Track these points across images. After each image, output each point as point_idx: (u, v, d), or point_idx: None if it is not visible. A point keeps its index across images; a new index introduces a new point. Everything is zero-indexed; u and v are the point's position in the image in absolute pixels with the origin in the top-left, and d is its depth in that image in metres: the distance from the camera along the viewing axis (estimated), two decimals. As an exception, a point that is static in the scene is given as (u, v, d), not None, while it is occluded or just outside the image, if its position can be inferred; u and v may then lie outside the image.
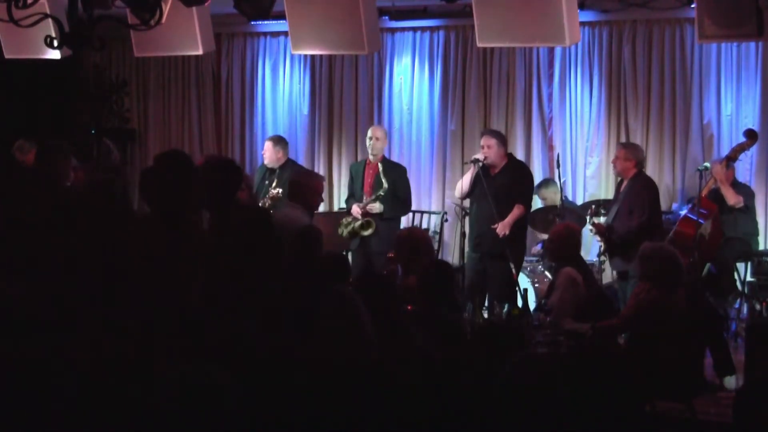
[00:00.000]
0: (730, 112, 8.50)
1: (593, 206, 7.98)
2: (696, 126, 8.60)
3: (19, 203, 5.20)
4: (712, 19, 5.71)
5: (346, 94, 9.69)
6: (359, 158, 9.31)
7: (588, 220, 7.93)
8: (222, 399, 2.89)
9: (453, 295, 5.73)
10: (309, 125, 9.84)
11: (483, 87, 9.24)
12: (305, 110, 9.86)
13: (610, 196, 8.38)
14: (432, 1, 8.69)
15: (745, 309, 7.74)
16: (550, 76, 9.03)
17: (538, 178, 8.99)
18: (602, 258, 7.74)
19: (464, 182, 7.47)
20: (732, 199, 7.56)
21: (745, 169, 8.31)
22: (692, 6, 6.66)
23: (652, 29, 8.68)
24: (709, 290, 7.40)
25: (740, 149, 7.55)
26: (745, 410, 3.08)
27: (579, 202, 8.81)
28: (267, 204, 7.65)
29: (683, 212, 7.52)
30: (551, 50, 8.95)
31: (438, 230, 8.82)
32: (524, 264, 7.89)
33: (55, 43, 4.73)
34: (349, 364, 3.88)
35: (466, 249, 7.64)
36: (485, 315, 6.24)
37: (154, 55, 8.10)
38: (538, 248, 8.57)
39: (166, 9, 4.68)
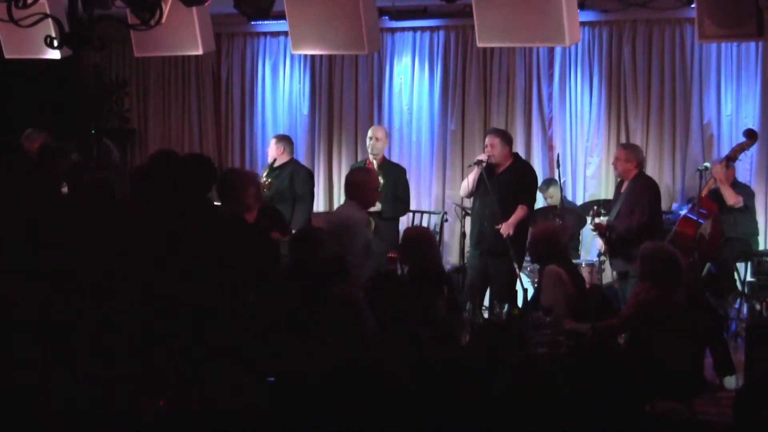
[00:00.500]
0: (730, 112, 8.50)
1: (595, 207, 7.98)
2: (696, 126, 8.59)
3: (20, 200, 5.20)
4: (712, 19, 5.71)
5: (346, 94, 9.69)
6: (359, 158, 9.31)
7: (589, 221, 7.93)
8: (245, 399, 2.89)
9: (444, 298, 5.74)
10: (309, 125, 9.84)
11: (483, 87, 9.23)
12: (305, 110, 9.86)
13: (610, 196, 8.37)
14: (432, 1, 8.68)
15: (745, 309, 7.74)
16: (550, 76, 9.03)
17: (538, 179, 9.00)
18: (602, 258, 7.74)
19: (469, 182, 7.49)
20: (731, 199, 7.56)
21: (745, 169, 8.30)
22: (692, 6, 6.66)
23: (652, 29, 8.68)
24: (709, 290, 7.40)
25: (740, 149, 7.55)
26: (745, 410, 3.08)
27: (579, 202, 8.81)
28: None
29: (683, 212, 7.52)
30: (551, 50, 8.95)
31: (438, 230, 8.82)
32: (524, 264, 7.89)
33: (55, 43, 4.74)
34: (349, 364, 3.88)
35: (467, 248, 7.64)
36: (485, 315, 6.25)
37: (154, 55, 8.10)
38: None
39: (166, 9, 4.68)
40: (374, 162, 7.83)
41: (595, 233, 7.59)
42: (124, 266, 4.89)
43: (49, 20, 4.74)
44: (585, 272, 7.83)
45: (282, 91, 9.95)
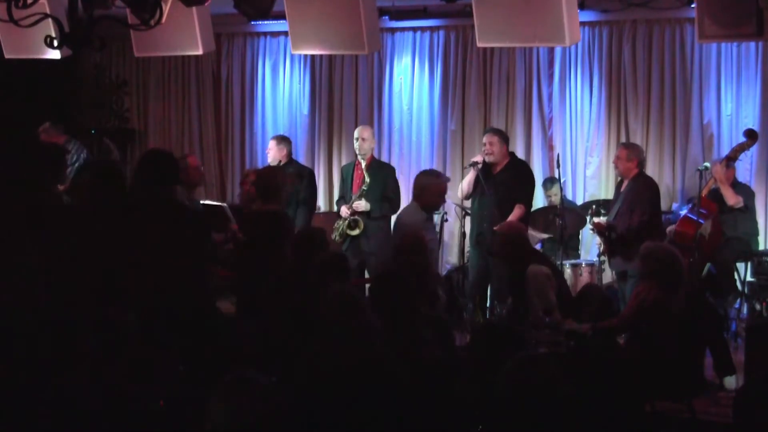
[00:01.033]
0: (730, 112, 8.50)
1: (593, 206, 7.98)
2: (696, 126, 8.59)
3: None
4: (712, 19, 5.70)
5: (346, 94, 9.69)
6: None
7: (588, 220, 7.93)
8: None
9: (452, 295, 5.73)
10: (309, 125, 9.84)
11: (483, 87, 9.24)
12: (305, 110, 9.86)
13: (610, 196, 8.37)
14: (432, 1, 8.69)
15: (745, 309, 7.74)
16: (550, 76, 9.03)
17: (538, 178, 9.00)
18: (602, 258, 7.74)
19: (464, 185, 7.52)
20: (732, 199, 7.56)
21: (745, 169, 8.30)
22: (692, 6, 6.66)
23: (652, 29, 8.68)
24: (709, 290, 7.40)
25: (740, 149, 7.55)
26: (745, 410, 3.08)
27: (579, 202, 8.82)
28: None
29: (683, 212, 7.52)
30: (551, 50, 8.95)
31: (438, 230, 8.81)
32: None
33: (55, 43, 4.73)
34: (350, 363, 3.88)
35: (467, 248, 7.64)
36: (485, 315, 6.26)
37: (154, 55, 8.10)
38: (538, 248, 8.56)
39: (166, 9, 4.68)
40: (362, 162, 7.80)
41: (594, 232, 7.59)
42: (125, 265, 4.90)
43: (49, 20, 4.74)
44: (585, 272, 7.84)
45: (282, 91, 9.96)
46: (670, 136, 8.73)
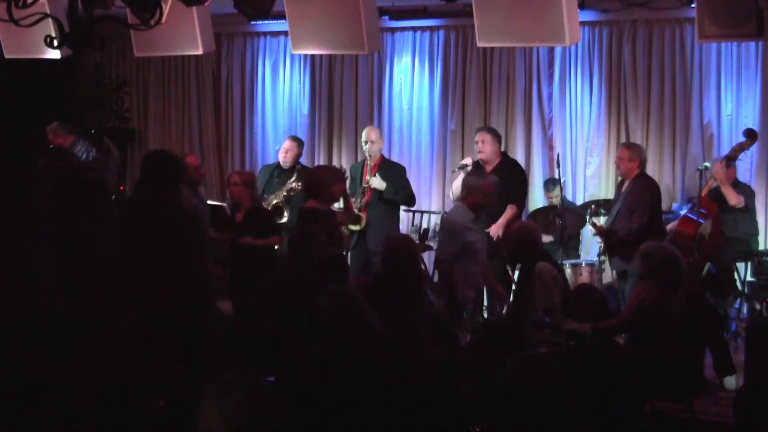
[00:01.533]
0: (730, 112, 8.50)
1: (593, 206, 7.97)
2: (696, 126, 8.59)
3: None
4: (712, 18, 5.70)
5: (346, 94, 9.69)
6: (359, 158, 9.31)
7: (588, 220, 7.93)
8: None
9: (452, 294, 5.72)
10: (309, 125, 9.84)
11: (483, 87, 9.23)
12: (305, 110, 9.86)
13: (610, 196, 8.37)
14: (432, 1, 8.68)
15: (745, 309, 7.74)
16: (550, 76, 9.03)
17: (539, 178, 9.00)
18: (602, 258, 7.74)
19: (454, 187, 7.51)
20: (733, 199, 7.56)
21: (745, 169, 8.30)
22: (692, 6, 6.66)
23: (652, 29, 8.67)
24: (709, 290, 7.40)
25: (740, 149, 7.55)
26: (745, 410, 3.08)
27: (579, 202, 8.81)
28: (282, 197, 7.71)
29: (683, 212, 7.51)
30: (551, 50, 8.95)
31: (438, 230, 8.81)
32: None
33: (55, 43, 4.73)
34: (349, 363, 3.88)
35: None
36: (485, 315, 6.25)
37: (154, 55, 8.10)
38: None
39: (166, 9, 4.67)
40: (370, 163, 7.82)
41: (594, 233, 7.59)
42: (125, 266, 4.91)
43: (49, 20, 4.74)
44: (585, 272, 7.84)
45: (282, 91, 9.95)
46: (670, 136, 8.72)
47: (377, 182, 7.70)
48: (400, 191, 7.83)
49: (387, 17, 9.00)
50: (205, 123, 10.25)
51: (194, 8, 6.02)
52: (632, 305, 5.48)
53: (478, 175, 7.02)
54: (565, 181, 8.79)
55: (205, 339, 5.23)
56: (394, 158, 9.33)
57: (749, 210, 7.74)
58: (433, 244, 8.72)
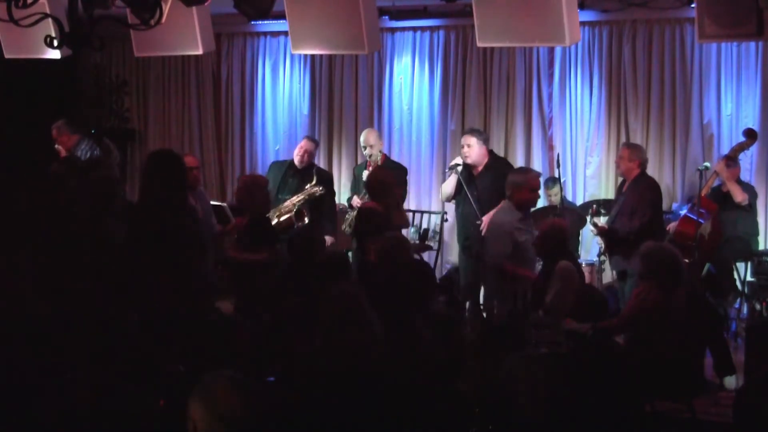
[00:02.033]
0: (730, 112, 8.50)
1: (594, 206, 7.97)
2: (696, 126, 8.59)
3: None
4: (712, 18, 5.70)
5: (346, 94, 9.69)
6: (359, 158, 9.32)
7: (588, 220, 7.93)
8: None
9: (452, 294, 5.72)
10: (309, 125, 9.84)
11: (483, 87, 9.23)
12: (305, 110, 9.87)
13: (610, 196, 8.38)
14: (432, 1, 8.68)
15: (745, 309, 7.74)
16: (550, 76, 9.03)
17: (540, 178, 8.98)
18: (602, 258, 7.74)
19: (446, 188, 7.49)
20: (739, 195, 7.56)
21: (745, 169, 8.29)
22: (692, 6, 6.67)
23: (652, 29, 8.67)
24: (709, 290, 7.40)
25: (740, 149, 7.55)
26: (745, 410, 3.08)
27: (579, 202, 8.81)
28: (300, 200, 7.73)
29: (683, 212, 7.52)
30: (551, 50, 8.95)
31: (438, 230, 8.82)
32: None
33: (55, 43, 4.73)
34: (350, 363, 3.88)
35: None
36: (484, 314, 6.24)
37: (154, 55, 8.10)
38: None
39: (166, 9, 4.67)
40: (372, 164, 7.81)
41: (595, 233, 7.59)
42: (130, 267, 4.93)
43: (49, 20, 4.73)
44: (585, 272, 7.83)
45: (282, 91, 9.96)
46: (670, 136, 8.73)
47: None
48: None
49: (387, 17, 9.00)
50: (205, 123, 10.25)
51: (194, 8, 6.02)
52: (632, 305, 5.48)
53: (521, 172, 6.93)
54: (565, 181, 8.79)
55: (206, 339, 5.24)
56: (394, 158, 9.31)
57: (752, 209, 7.75)
58: (433, 244, 8.74)
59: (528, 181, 6.62)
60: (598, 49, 8.86)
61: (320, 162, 9.76)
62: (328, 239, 7.72)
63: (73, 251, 4.95)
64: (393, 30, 9.42)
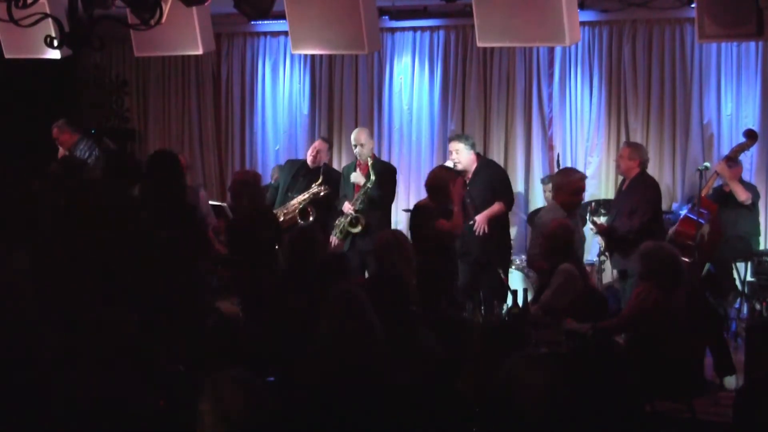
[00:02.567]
0: (730, 112, 8.50)
1: (593, 204, 7.97)
2: (696, 126, 8.59)
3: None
4: (712, 18, 5.70)
5: (346, 94, 9.69)
6: (359, 158, 9.32)
7: (588, 219, 7.93)
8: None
9: (452, 294, 5.72)
10: (309, 125, 9.84)
11: (483, 87, 9.23)
12: (305, 110, 9.86)
13: (610, 196, 8.38)
14: (432, 1, 8.68)
15: (745, 309, 7.74)
16: (550, 76, 9.03)
17: (539, 178, 8.99)
18: (602, 258, 7.74)
19: None
20: (742, 194, 7.57)
21: (745, 169, 8.28)
22: (692, 6, 6.66)
23: (652, 29, 8.67)
24: (709, 290, 7.40)
25: (740, 149, 7.55)
26: (745, 410, 3.08)
27: (579, 201, 8.80)
28: (308, 199, 7.73)
29: (683, 212, 7.52)
30: (551, 50, 8.95)
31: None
32: (523, 265, 7.89)
33: (55, 43, 4.73)
34: (350, 363, 3.88)
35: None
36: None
37: (154, 55, 8.10)
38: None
39: (166, 9, 4.67)
40: (363, 163, 7.80)
41: (595, 232, 7.59)
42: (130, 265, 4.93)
43: (49, 20, 4.73)
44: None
45: (282, 91, 9.96)
46: (670, 136, 8.73)
47: (355, 177, 7.66)
48: (375, 189, 7.68)
49: (387, 17, 9.00)
50: (205, 123, 10.26)
51: (194, 8, 6.02)
52: (632, 305, 5.48)
53: (564, 173, 6.92)
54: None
55: (205, 338, 5.24)
56: (394, 158, 9.34)
57: (754, 208, 7.75)
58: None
59: (570, 183, 6.62)
60: (598, 49, 8.86)
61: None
62: (335, 239, 7.73)
63: (74, 251, 4.95)
64: (393, 30, 9.42)
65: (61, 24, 4.60)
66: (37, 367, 3.63)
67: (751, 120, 8.34)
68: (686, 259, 6.39)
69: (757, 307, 7.40)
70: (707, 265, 7.60)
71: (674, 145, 8.73)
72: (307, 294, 5.20)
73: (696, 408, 5.38)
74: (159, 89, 10.38)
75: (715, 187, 7.68)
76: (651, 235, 6.61)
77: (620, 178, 7.85)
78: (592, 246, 8.46)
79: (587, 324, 5.47)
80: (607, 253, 7.49)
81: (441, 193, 6.64)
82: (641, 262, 5.57)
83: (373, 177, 7.60)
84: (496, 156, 9.06)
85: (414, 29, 9.41)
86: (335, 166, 9.72)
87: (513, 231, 8.16)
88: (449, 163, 7.43)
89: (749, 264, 7.88)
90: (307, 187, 7.93)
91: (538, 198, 8.94)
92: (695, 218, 7.21)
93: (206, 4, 5.43)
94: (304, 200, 7.86)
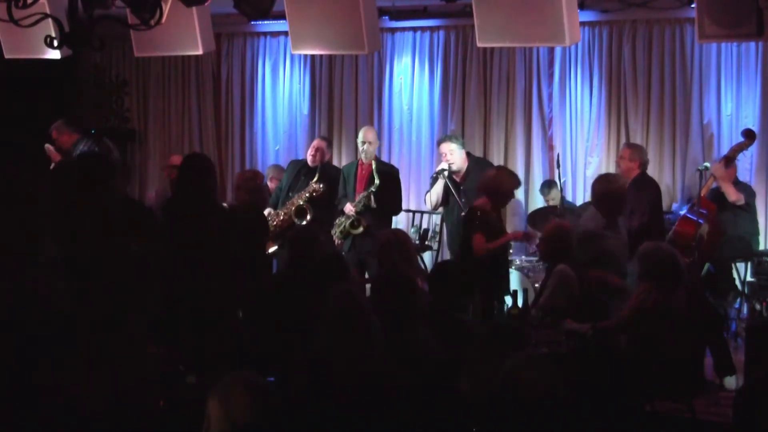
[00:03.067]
0: (730, 112, 8.50)
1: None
2: (696, 126, 8.59)
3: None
4: (712, 18, 5.70)
5: (346, 94, 9.69)
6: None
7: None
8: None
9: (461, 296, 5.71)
10: (309, 125, 9.84)
11: (483, 87, 9.23)
12: (305, 110, 9.86)
13: (610, 196, 8.37)
14: (432, 1, 8.68)
15: (745, 309, 7.74)
16: (550, 76, 9.03)
17: (539, 179, 9.00)
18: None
19: (434, 195, 7.51)
20: (733, 196, 7.57)
21: (745, 168, 8.30)
22: (692, 6, 6.66)
23: (652, 29, 8.68)
24: (709, 290, 7.40)
25: (738, 149, 7.56)
26: (745, 410, 3.08)
27: (579, 202, 8.81)
28: (305, 198, 7.73)
29: (683, 212, 7.52)
30: (551, 50, 8.95)
31: (438, 230, 8.82)
32: (524, 264, 7.90)
33: (55, 43, 4.73)
34: (351, 363, 3.88)
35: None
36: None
37: (154, 55, 8.10)
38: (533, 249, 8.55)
39: (166, 9, 4.67)
40: (365, 162, 7.80)
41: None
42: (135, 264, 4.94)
43: (49, 20, 4.73)
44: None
45: (282, 91, 9.96)
46: (670, 136, 8.73)
47: (348, 208, 7.68)
48: (386, 205, 7.70)
49: (387, 17, 9.00)
50: (205, 123, 10.25)
51: (194, 8, 6.02)
52: (632, 305, 5.48)
53: (607, 180, 6.79)
54: (565, 181, 8.78)
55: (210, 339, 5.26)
56: (394, 158, 9.33)
57: (750, 208, 7.75)
58: (433, 244, 8.74)
59: (611, 190, 6.55)
60: (598, 49, 8.86)
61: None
62: (335, 238, 7.74)
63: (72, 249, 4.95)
64: (393, 30, 9.42)
65: (61, 24, 4.59)
66: (37, 366, 3.63)
67: (751, 120, 8.34)
68: (686, 259, 6.38)
69: (757, 307, 7.40)
70: (707, 265, 7.60)
71: (674, 145, 8.73)
72: (306, 294, 5.20)
73: (696, 408, 5.38)
74: (159, 89, 10.38)
75: (714, 188, 7.68)
76: (651, 236, 6.61)
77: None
78: (592, 246, 8.46)
79: (587, 324, 5.47)
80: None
81: (497, 194, 6.62)
82: (641, 262, 5.56)
83: (377, 181, 7.60)
84: (496, 156, 9.07)
85: (414, 29, 9.40)
86: (335, 165, 9.73)
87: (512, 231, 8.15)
88: (444, 165, 7.44)
89: (749, 264, 7.88)
90: (306, 186, 7.94)
91: (538, 198, 8.94)
92: (694, 218, 7.21)
93: (206, 4, 5.43)
94: (302, 199, 7.86)
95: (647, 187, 7.18)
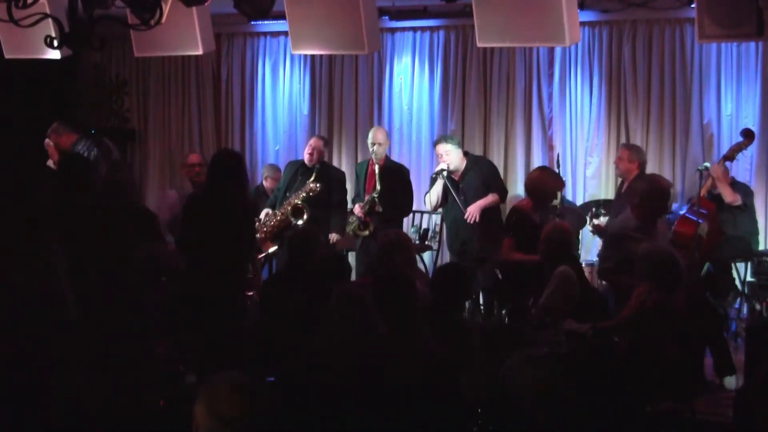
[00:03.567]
0: (730, 112, 8.50)
1: (593, 208, 7.97)
2: (696, 126, 8.59)
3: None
4: (712, 18, 5.71)
5: (346, 94, 9.69)
6: (359, 158, 9.33)
7: (588, 221, 7.93)
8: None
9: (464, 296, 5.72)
10: (309, 125, 9.84)
11: (483, 87, 9.23)
12: (305, 110, 9.86)
13: (610, 196, 8.38)
14: (432, 1, 8.68)
15: (745, 309, 7.74)
16: (550, 76, 9.02)
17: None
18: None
19: (434, 196, 7.53)
20: (729, 197, 7.57)
21: (744, 168, 8.30)
22: (692, 6, 6.66)
23: (652, 29, 8.67)
24: (709, 290, 7.40)
25: (737, 149, 7.55)
26: (745, 410, 3.08)
27: (579, 202, 8.80)
28: (302, 197, 7.76)
29: (682, 212, 7.52)
30: (551, 50, 8.95)
31: (438, 230, 8.82)
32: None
33: (55, 43, 4.73)
34: (353, 362, 3.88)
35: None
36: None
37: (154, 55, 8.10)
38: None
39: (166, 9, 4.67)
40: (376, 163, 7.80)
41: (594, 233, 7.59)
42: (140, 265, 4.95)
43: (49, 20, 4.73)
44: (585, 272, 7.82)
45: (282, 91, 9.95)
46: (670, 136, 8.72)
47: (357, 210, 7.71)
48: (396, 207, 7.74)
49: (387, 17, 8.99)
50: (205, 123, 10.25)
51: (194, 8, 6.02)
52: (634, 307, 5.48)
53: (646, 181, 6.73)
54: (565, 182, 8.77)
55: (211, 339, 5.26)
56: (394, 158, 9.30)
57: (748, 208, 7.75)
58: (433, 244, 8.75)
59: (651, 191, 6.50)
60: (598, 49, 8.85)
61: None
62: (334, 236, 7.74)
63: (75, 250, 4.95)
64: (393, 30, 9.42)
65: (61, 24, 4.60)
66: (37, 366, 3.63)
67: (751, 120, 8.34)
68: (686, 259, 6.37)
69: (757, 307, 7.42)
70: (707, 265, 7.60)
71: (674, 145, 8.72)
72: (306, 293, 5.20)
73: (696, 408, 5.38)
74: (159, 89, 10.37)
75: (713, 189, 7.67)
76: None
77: (620, 178, 7.85)
78: (592, 246, 8.47)
79: (587, 324, 5.47)
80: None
81: (540, 196, 6.68)
82: (641, 263, 5.56)
83: (378, 186, 7.61)
84: (496, 156, 9.07)
85: (414, 29, 9.40)
86: (335, 164, 9.72)
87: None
88: (442, 165, 7.44)
89: (749, 264, 7.88)
90: (303, 186, 7.94)
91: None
92: (694, 218, 7.21)
93: (206, 4, 5.43)
94: (298, 199, 7.85)
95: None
